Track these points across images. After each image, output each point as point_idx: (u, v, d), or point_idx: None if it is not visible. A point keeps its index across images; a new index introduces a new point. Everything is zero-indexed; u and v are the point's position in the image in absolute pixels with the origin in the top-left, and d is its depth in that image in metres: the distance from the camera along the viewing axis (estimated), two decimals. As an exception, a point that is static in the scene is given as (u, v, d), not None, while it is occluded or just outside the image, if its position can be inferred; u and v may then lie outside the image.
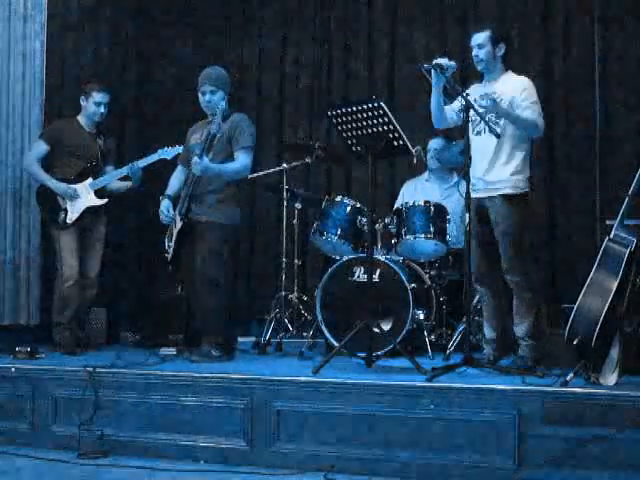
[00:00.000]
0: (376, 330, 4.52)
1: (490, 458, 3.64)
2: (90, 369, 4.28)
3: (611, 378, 3.76)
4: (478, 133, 4.44)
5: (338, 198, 5.25)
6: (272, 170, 6.04)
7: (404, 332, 4.80)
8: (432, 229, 4.98)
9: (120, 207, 6.02)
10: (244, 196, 5.19)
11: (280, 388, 3.99)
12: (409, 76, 6.61)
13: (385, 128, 4.37)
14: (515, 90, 4.35)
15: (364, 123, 4.40)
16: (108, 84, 5.63)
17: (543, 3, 6.33)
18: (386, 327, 4.86)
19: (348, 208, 5.16)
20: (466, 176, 4.22)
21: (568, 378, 3.74)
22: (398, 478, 3.72)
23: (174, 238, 4.87)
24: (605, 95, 6.06)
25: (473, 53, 4.46)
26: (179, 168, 5.12)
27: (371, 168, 4.47)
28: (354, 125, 4.45)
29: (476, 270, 4.52)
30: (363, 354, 4.41)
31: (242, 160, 4.82)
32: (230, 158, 4.83)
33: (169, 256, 4.91)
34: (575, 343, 3.86)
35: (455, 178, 5.73)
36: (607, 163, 6.00)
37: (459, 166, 5.38)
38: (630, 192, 4.00)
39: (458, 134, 4.82)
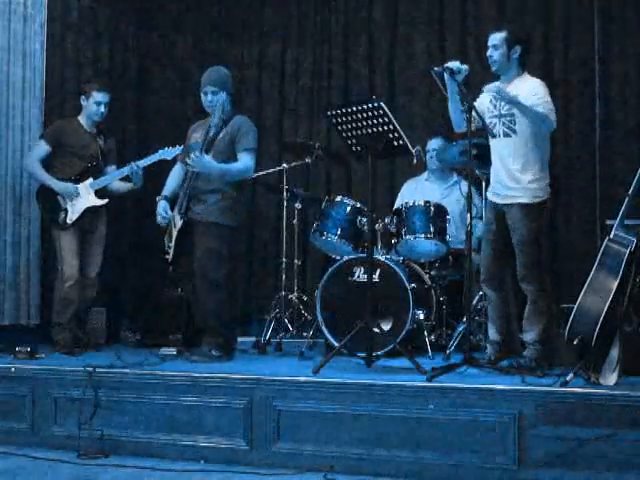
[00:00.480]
0: (376, 330, 4.52)
1: (490, 458, 3.64)
2: (90, 369, 4.28)
3: (611, 378, 3.76)
4: (494, 136, 4.42)
5: (338, 198, 5.24)
6: (272, 170, 6.04)
7: (404, 332, 4.79)
8: (432, 229, 4.98)
9: (120, 207, 6.02)
10: (246, 197, 5.16)
11: (280, 388, 3.99)
12: (409, 76, 6.62)
13: (385, 128, 4.37)
14: (527, 91, 4.29)
15: (364, 123, 4.40)
16: (108, 84, 5.64)
17: (543, 3, 6.33)
18: (386, 327, 4.86)
19: (348, 208, 5.15)
20: (467, 176, 4.22)
21: (568, 378, 3.74)
22: (398, 478, 3.72)
23: (174, 238, 4.87)
24: (605, 95, 6.06)
25: (488, 53, 4.42)
26: (177, 166, 5.11)
27: (371, 168, 4.47)
28: (354, 125, 4.45)
29: (485, 272, 4.51)
30: (363, 354, 4.41)
31: (245, 161, 4.82)
32: (231, 160, 4.82)
33: (169, 257, 4.91)
34: (575, 343, 3.87)
35: (455, 178, 5.74)
36: (607, 163, 6.00)
37: (459, 166, 5.40)
38: (630, 192, 4.00)
39: (458, 134, 4.82)
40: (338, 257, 5.21)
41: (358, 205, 5.15)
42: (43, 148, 5.35)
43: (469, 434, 3.68)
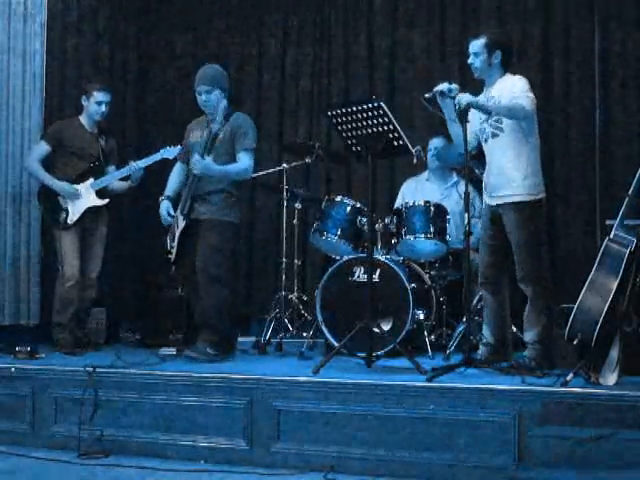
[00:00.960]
0: (376, 330, 4.52)
1: (490, 458, 3.64)
2: (90, 369, 4.28)
3: (611, 378, 3.76)
4: (485, 140, 4.43)
5: (338, 198, 5.24)
6: (272, 170, 6.04)
7: (404, 332, 4.79)
8: (432, 229, 4.98)
9: (120, 207, 6.02)
10: (244, 195, 5.18)
11: (280, 388, 4.00)
12: (409, 76, 6.62)
13: (385, 128, 4.37)
14: (507, 89, 4.31)
15: (364, 123, 4.41)
16: (108, 84, 5.63)
17: (543, 3, 6.33)
18: (386, 327, 4.85)
19: (348, 208, 5.15)
20: (466, 176, 4.23)
21: (568, 378, 3.74)
22: (398, 478, 3.72)
23: (176, 238, 4.86)
24: (605, 95, 6.06)
25: (469, 61, 4.44)
26: (178, 166, 5.11)
27: (371, 168, 4.47)
28: (354, 125, 4.45)
29: (483, 275, 4.51)
30: (363, 354, 4.41)
31: (245, 161, 4.82)
32: (233, 159, 4.83)
33: (172, 256, 4.89)
34: (575, 343, 3.87)
35: (455, 178, 5.74)
36: (607, 163, 6.00)
37: (459, 166, 5.40)
38: (630, 192, 4.01)
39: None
40: (338, 257, 5.21)
41: (358, 205, 5.15)
42: (44, 148, 5.35)
43: (469, 434, 3.68)
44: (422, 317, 5.05)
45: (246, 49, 7.18)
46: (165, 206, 4.92)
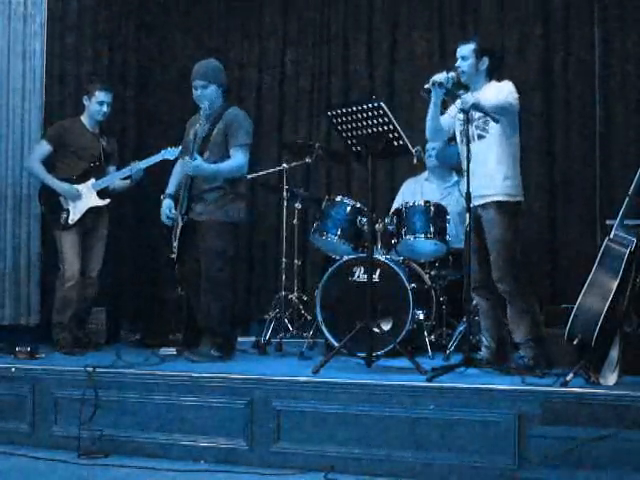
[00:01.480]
0: (376, 330, 4.52)
1: (490, 458, 3.64)
2: (90, 369, 4.28)
3: (611, 378, 3.76)
4: (469, 142, 4.43)
5: (338, 198, 5.24)
6: (272, 170, 6.04)
7: (404, 332, 4.79)
8: (432, 229, 4.98)
9: (120, 207, 6.02)
10: (248, 191, 5.11)
11: (280, 388, 4.00)
12: (409, 76, 6.62)
13: (385, 128, 4.37)
14: (493, 94, 4.33)
15: (364, 123, 4.40)
16: (109, 84, 5.63)
17: (543, 3, 6.33)
18: (386, 327, 4.86)
19: (348, 208, 5.15)
20: (466, 176, 4.23)
21: (568, 378, 3.74)
22: (398, 478, 3.72)
23: (177, 237, 4.85)
24: (605, 95, 6.06)
25: (456, 64, 4.47)
26: (179, 164, 5.10)
27: (371, 168, 4.47)
28: (354, 125, 4.45)
29: (474, 281, 4.51)
30: (363, 354, 4.41)
31: (237, 158, 4.77)
32: (228, 155, 4.80)
33: (174, 255, 4.87)
34: (575, 343, 3.87)
35: (455, 178, 5.73)
36: (607, 163, 6.00)
37: (458, 166, 5.40)
38: (630, 192, 4.00)
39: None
40: (338, 257, 5.21)
41: (358, 205, 5.15)
42: (45, 148, 5.35)
43: (469, 434, 3.68)
44: (422, 317, 5.05)
45: (246, 49, 7.18)
46: (166, 205, 4.91)
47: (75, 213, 5.26)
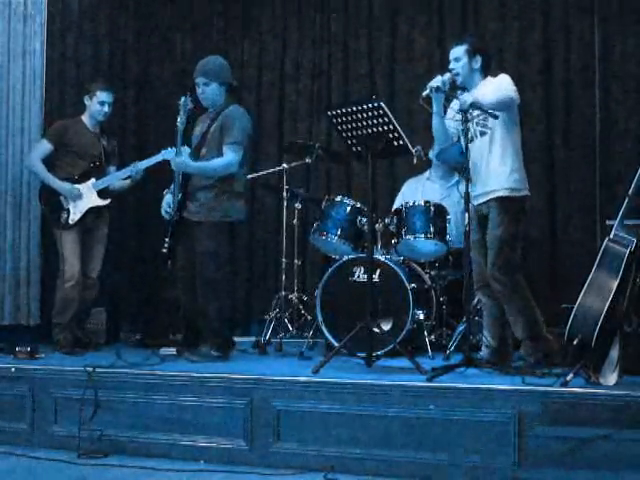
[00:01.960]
0: (376, 330, 4.52)
1: (490, 458, 3.64)
2: (90, 369, 4.27)
3: (611, 378, 3.76)
4: (471, 140, 4.44)
5: (338, 198, 5.24)
6: (272, 170, 6.04)
7: (404, 332, 4.80)
8: (432, 229, 4.98)
9: (121, 207, 6.02)
10: (246, 190, 5.07)
11: (280, 388, 3.99)
12: (409, 76, 6.62)
13: (385, 128, 4.37)
14: (490, 90, 4.34)
15: (364, 123, 4.40)
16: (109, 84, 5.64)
17: (543, 3, 6.33)
18: (386, 327, 4.86)
19: (348, 208, 5.15)
20: (466, 176, 4.23)
21: (568, 378, 3.74)
22: (398, 478, 3.72)
23: (169, 234, 4.81)
24: (605, 95, 6.06)
25: (450, 66, 4.48)
26: None
27: (371, 168, 4.47)
28: (354, 125, 4.44)
29: (477, 280, 4.51)
30: (363, 354, 4.41)
31: (227, 156, 4.72)
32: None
33: (165, 250, 4.80)
34: (575, 343, 3.86)
35: (456, 177, 5.73)
36: (607, 163, 6.00)
37: (459, 166, 5.39)
38: (630, 192, 4.00)
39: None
40: (338, 257, 5.21)
41: (358, 205, 5.15)
42: (46, 147, 5.34)
43: (469, 434, 3.67)
44: (422, 317, 5.05)
45: (246, 49, 7.18)
46: (167, 200, 4.88)
47: (75, 213, 5.26)
